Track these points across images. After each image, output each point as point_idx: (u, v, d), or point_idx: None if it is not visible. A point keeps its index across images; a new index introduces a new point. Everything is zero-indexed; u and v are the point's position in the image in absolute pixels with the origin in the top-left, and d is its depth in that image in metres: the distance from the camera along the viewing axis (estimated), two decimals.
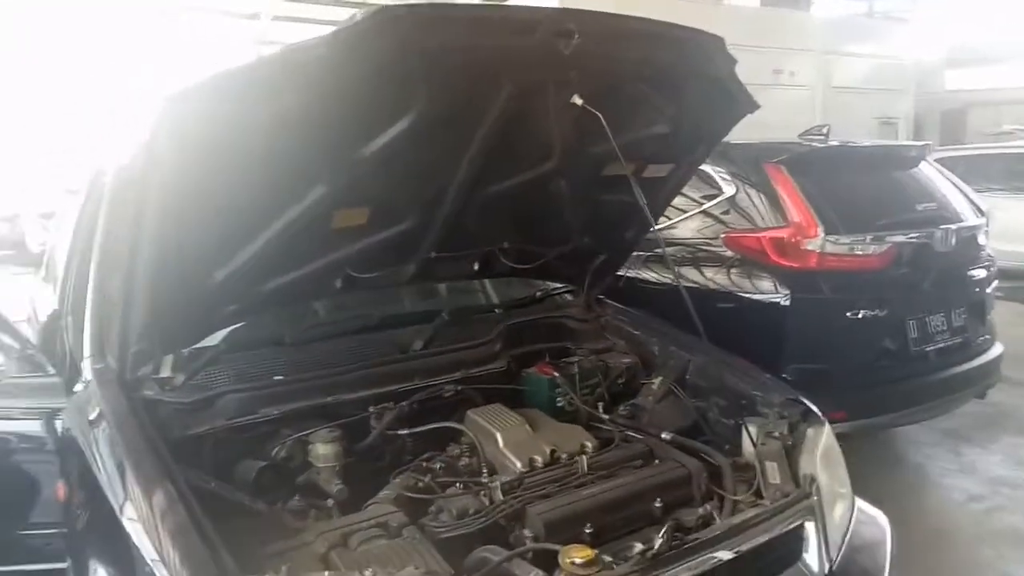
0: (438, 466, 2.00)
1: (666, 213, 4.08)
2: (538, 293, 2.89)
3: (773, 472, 1.95)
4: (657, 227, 4.02)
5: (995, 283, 4.32)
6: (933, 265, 3.86)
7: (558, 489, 1.89)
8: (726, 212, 3.99)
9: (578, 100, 2.02)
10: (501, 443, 2.04)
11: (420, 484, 1.91)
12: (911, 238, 3.82)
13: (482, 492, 1.85)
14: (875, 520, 2.16)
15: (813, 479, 1.95)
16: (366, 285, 2.31)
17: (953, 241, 3.91)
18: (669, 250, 4.05)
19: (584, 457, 2.01)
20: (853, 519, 2.05)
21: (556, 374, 2.40)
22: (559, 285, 2.91)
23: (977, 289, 4.15)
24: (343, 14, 1.67)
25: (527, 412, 2.24)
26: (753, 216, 3.87)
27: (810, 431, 2.08)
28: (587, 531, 1.73)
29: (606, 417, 2.31)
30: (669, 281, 3.83)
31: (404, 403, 2.16)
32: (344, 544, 1.66)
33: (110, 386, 1.94)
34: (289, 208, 1.91)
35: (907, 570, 2.99)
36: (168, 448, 1.74)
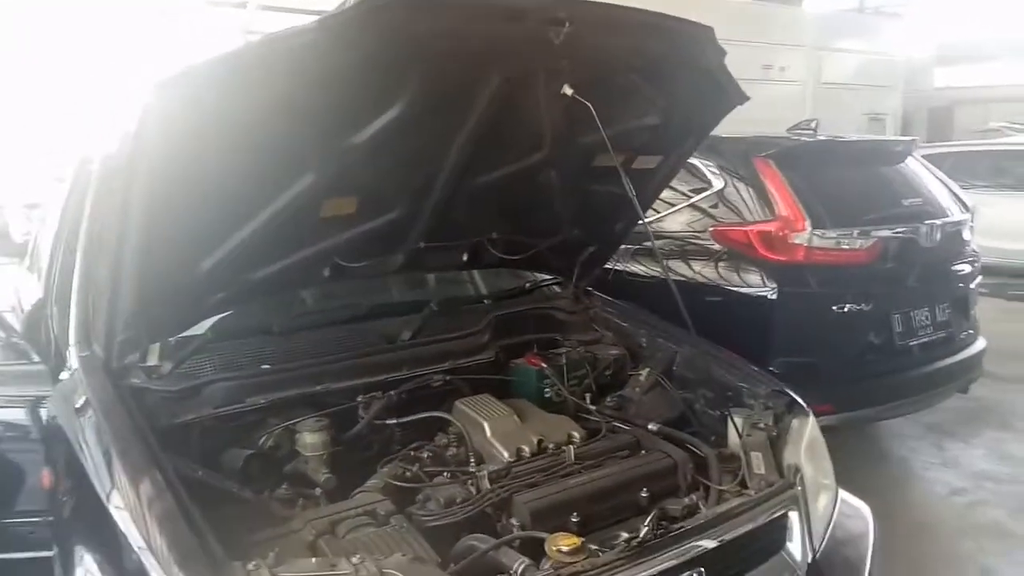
0: (426, 455, 2.01)
1: (655, 206, 4.12)
2: (527, 284, 2.90)
3: (758, 462, 1.96)
4: (648, 219, 4.07)
5: (979, 279, 4.36)
6: (918, 260, 3.90)
7: (545, 478, 1.90)
8: (714, 206, 4.01)
9: (568, 90, 2.02)
10: (489, 433, 2.05)
11: (408, 473, 1.91)
12: (897, 233, 3.85)
13: (469, 481, 1.86)
14: (858, 511, 2.19)
15: (797, 469, 1.97)
16: (355, 274, 2.31)
17: (938, 236, 3.94)
18: (658, 243, 4.07)
19: (571, 447, 2.02)
20: (836, 510, 2.07)
21: (544, 365, 2.41)
22: (548, 277, 2.91)
23: (961, 284, 4.19)
24: (332, 3, 1.65)
25: (515, 402, 2.24)
26: (741, 210, 3.89)
27: (795, 422, 2.10)
28: (574, 520, 1.75)
29: (593, 408, 2.32)
30: (657, 274, 3.85)
31: (392, 393, 2.16)
32: (332, 532, 1.66)
33: (96, 374, 1.93)
34: (277, 196, 1.90)
35: (890, 562, 3.02)
36: (155, 436, 1.73)
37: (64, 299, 2.28)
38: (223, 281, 2.04)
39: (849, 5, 14.72)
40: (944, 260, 4.09)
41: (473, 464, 1.97)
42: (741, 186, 3.93)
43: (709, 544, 1.68)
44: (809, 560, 1.88)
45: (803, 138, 4.27)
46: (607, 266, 3.36)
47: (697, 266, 3.98)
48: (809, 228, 3.65)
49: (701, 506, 1.87)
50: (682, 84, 2.21)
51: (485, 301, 2.77)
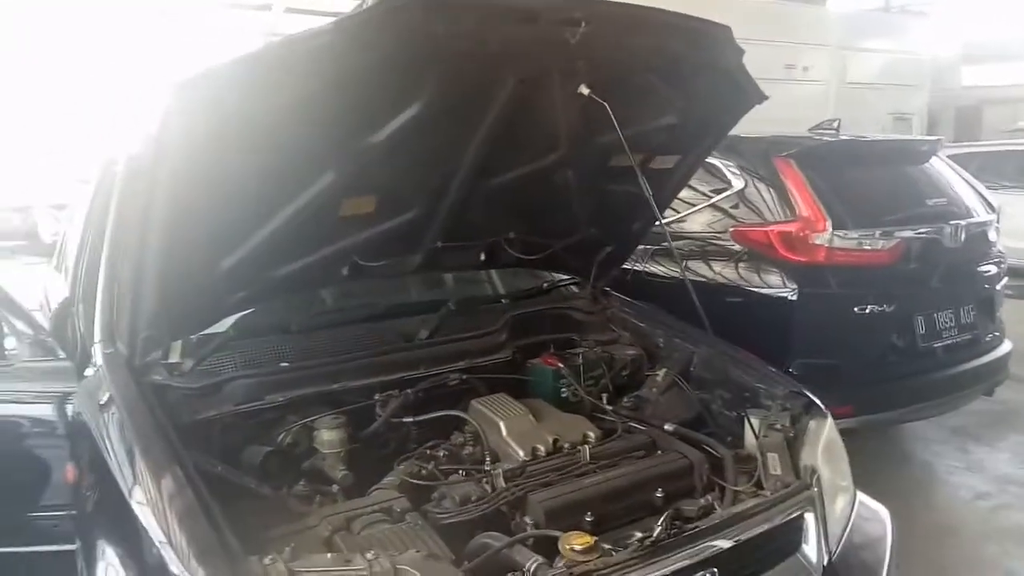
0: (442, 454, 2.02)
1: (675, 206, 4.11)
2: (544, 284, 2.90)
3: (774, 463, 1.95)
4: (665, 220, 4.06)
5: (1005, 280, 4.30)
6: (942, 261, 3.85)
7: (560, 478, 1.90)
8: (735, 206, 3.99)
9: (585, 90, 2.02)
10: (504, 432, 2.06)
11: (424, 471, 1.93)
12: (920, 233, 3.81)
13: (484, 480, 1.87)
14: (877, 514, 2.16)
15: (814, 471, 1.96)
16: (373, 273, 2.33)
17: (963, 237, 3.89)
18: (678, 244, 4.06)
19: (586, 447, 2.03)
20: (854, 512, 2.05)
21: (561, 365, 2.41)
22: (565, 277, 2.91)
23: (986, 286, 4.13)
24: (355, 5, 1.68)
25: (531, 402, 2.25)
26: (762, 210, 3.87)
27: (812, 423, 2.08)
28: (588, 519, 1.75)
29: (609, 408, 2.32)
30: (676, 274, 3.84)
31: (409, 391, 2.18)
32: (347, 528, 1.68)
33: (120, 371, 1.96)
34: (297, 196, 1.93)
35: (913, 566, 3.01)
36: (176, 432, 1.76)
37: (90, 297, 2.32)
38: (244, 280, 2.07)
39: (874, 4, 14.57)
40: (969, 261, 4.04)
41: (488, 463, 1.98)
42: (761, 186, 3.91)
43: (723, 544, 1.68)
44: (825, 562, 1.87)
45: (825, 138, 4.23)
46: (626, 266, 3.37)
47: (717, 267, 3.96)
48: (830, 229, 3.62)
49: (717, 507, 1.86)
50: (700, 84, 2.20)
51: (502, 301, 2.78)
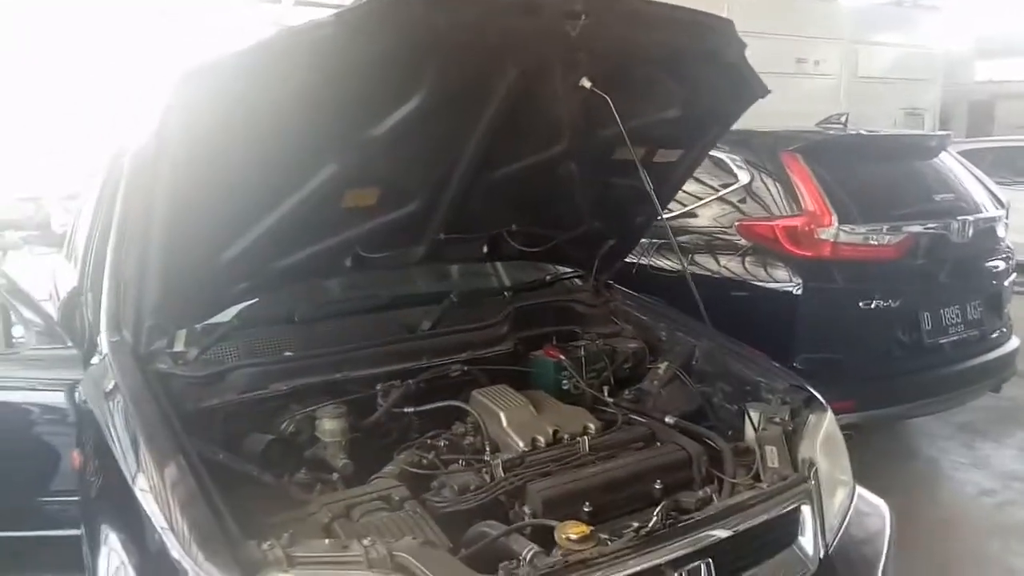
0: (442, 443, 2.03)
1: (682, 200, 4.12)
2: (547, 277, 2.91)
3: (772, 456, 1.96)
4: (672, 214, 4.06)
5: (1013, 276, 4.28)
6: (949, 256, 3.84)
7: (559, 468, 1.91)
8: (742, 200, 3.98)
9: (587, 83, 2.03)
10: (505, 422, 2.07)
11: (424, 460, 1.94)
12: (927, 229, 3.79)
13: (484, 469, 1.88)
14: (876, 508, 2.17)
15: (812, 464, 1.96)
16: (376, 265, 2.35)
17: (970, 233, 3.87)
18: (684, 238, 4.06)
19: (586, 438, 2.03)
20: (853, 506, 2.06)
21: (562, 357, 2.42)
22: (568, 269, 2.92)
23: (994, 282, 4.11)
24: None
25: (532, 393, 2.26)
26: (768, 204, 3.86)
27: (812, 417, 2.09)
28: (586, 509, 1.76)
29: (610, 400, 2.33)
30: (680, 268, 3.84)
31: (411, 381, 2.19)
32: (347, 515, 1.70)
33: (125, 359, 1.99)
34: (299, 187, 1.95)
35: (914, 560, 3.01)
36: (180, 420, 1.78)
37: (97, 287, 2.34)
38: (247, 270, 2.09)
39: None
40: (976, 257, 4.02)
41: (488, 453, 1.99)
42: (768, 181, 3.90)
43: (718, 535, 1.69)
44: (821, 555, 1.88)
45: (832, 132, 4.21)
46: (631, 260, 3.37)
47: (723, 261, 3.96)
48: (836, 223, 3.61)
49: (715, 499, 1.87)
50: (703, 77, 2.21)
51: (505, 293, 2.79)
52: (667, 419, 2.18)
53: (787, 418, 2.07)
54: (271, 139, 1.76)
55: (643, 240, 3.77)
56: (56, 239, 4.84)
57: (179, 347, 2.10)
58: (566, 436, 2.05)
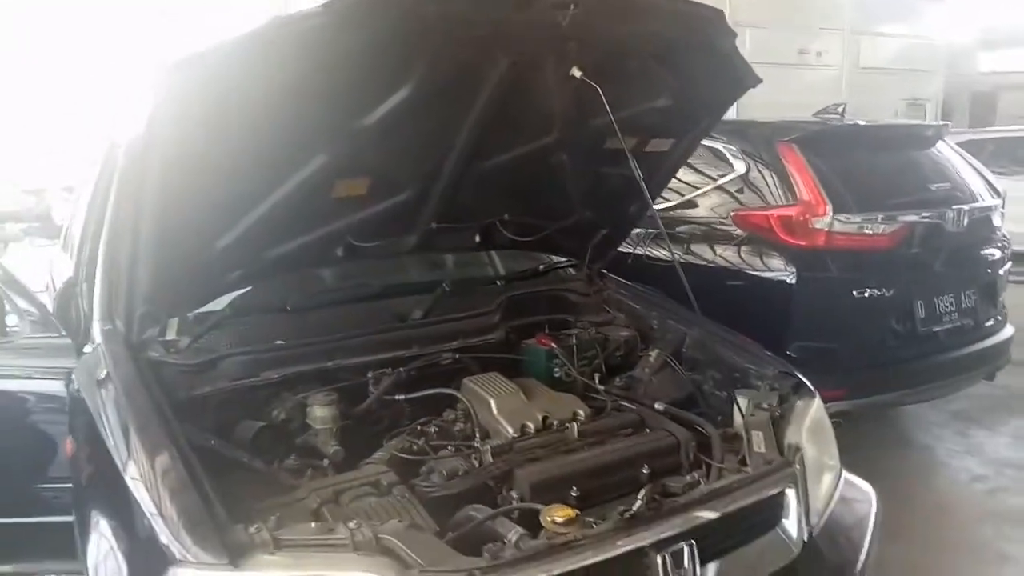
0: (432, 430, 2.05)
1: (678, 190, 4.13)
2: (540, 267, 2.92)
3: (759, 441, 1.97)
4: (669, 204, 4.08)
5: (1009, 265, 4.28)
6: (944, 245, 3.84)
7: (547, 454, 1.93)
8: (738, 190, 3.99)
9: (577, 72, 2.04)
10: (495, 409, 2.08)
11: (414, 447, 1.96)
12: (923, 218, 3.80)
13: (473, 455, 1.90)
14: (862, 493, 2.18)
15: (798, 449, 1.97)
16: (368, 254, 2.36)
17: (965, 222, 3.87)
18: (683, 228, 4.07)
19: (575, 424, 2.05)
20: (838, 491, 2.07)
21: (554, 345, 2.44)
22: (562, 259, 2.93)
23: (989, 270, 4.12)
24: None
25: (523, 381, 2.27)
26: (764, 194, 3.87)
27: (799, 403, 2.10)
28: (574, 494, 1.78)
29: (601, 388, 2.34)
30: (677, 258, 3.85)
31: (402, 369, 2.21)
32: (335, 500, 1.71)
33: (117, 347, 2.00)
34: (290, 177, 1.96)
35: (906, 546, 3.04)
36: (172, 408, 1.80)
37: (92, 277, 2.36)
38: (239, 259, 2.10)
39: None
40: (971, 246, 4.03)
41: (478, 439, 2.01)
42: (764, 171, 3.90)
43: (701, 518, 1.70)
44: (805, 538, 1.89)
45: (829, 122, 4.22)
46: (626, 250, 3.37)
47: (720, 250, 3.97)
48: (830, 213, 3.62)
49: (702, 483, 1.88)
50: (693, 66, 2.21)
51: (498, 282, 2.80)
52: (657, 406, 2.20)
53: (775, 404, 2.08)
54: (260, 129, 1.77)
55: (639, 230, 3.81)
56: (57, 231, 4.86)
57: (171, 335, 2.12)
58: (555, 422, 2.06)
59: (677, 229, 4.08)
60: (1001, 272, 4.19)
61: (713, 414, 2.25)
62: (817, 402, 2.14)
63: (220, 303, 2.23)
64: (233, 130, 1.75)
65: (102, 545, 1.71)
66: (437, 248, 2.64)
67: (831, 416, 2.22)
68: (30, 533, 2.47)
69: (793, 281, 3.63)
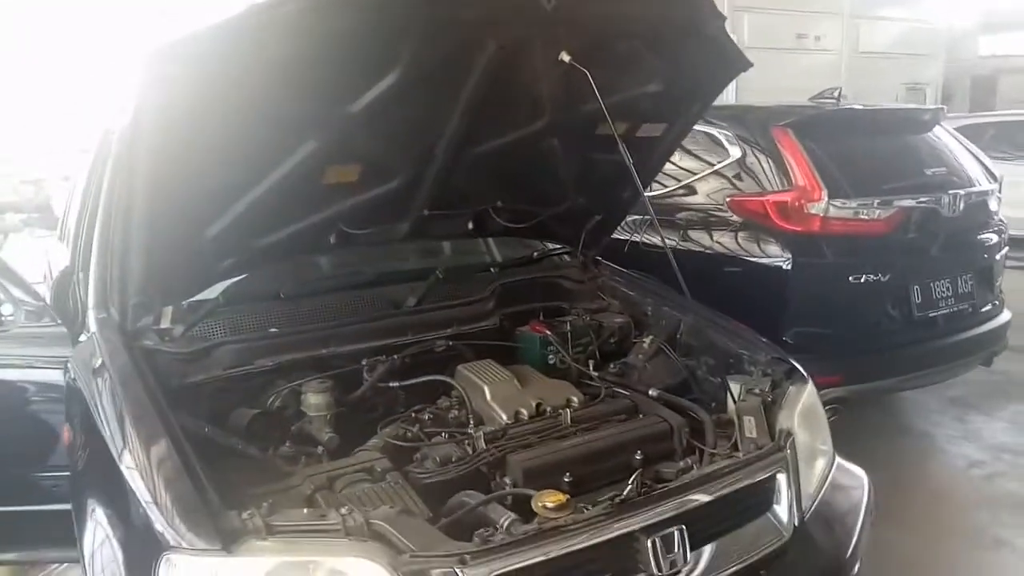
0: (426, 417, 2.06)
1: (675, 176, 4.12)
2: (535, 253, 2.92)
3: (750, 427, 1.98)
4: (665, 190, 4.07)
5: (1006, 250, 4.27)
6: (940, 230, 3.83)
7: (540, 440, 1.94)
8: (735, 176, 3.98)
9: (566, 57, 2.03)
10: (488, 396, 2.09)
11: (408, 433, 1.97)
12: (919, 203, 3.79)
13: (466, 441, 1.91)
14: (855, 479, 2.19)
15: (789, 434, 1.98)
16: (360, 241, 2.36)
17: (961, 206, 3.86)
18: (681, 215, 4.07)
19: (568, 410, 2.05)
20: (831, 476, 2.08)
21: (548, 332, 2.44)
22: (557, 246, 2.93)
23: (985, 255, 4.11)
24: None
25: (517, 368, 2.28)
26: (759, 180, 3.86)
27: (792, 388, 2.10)
28: (566, 480, 1.79)
29: (595, 374, 2.35)
30: (672, 245, 3.85)
31: (396, 357, 2.22)
32: (329, 487, 1.73)
33: (112, 336, 2.01)
34: (280, 163, 1.96)
35: (902, 531, 3.05)
36: (166, 396, 1.81)
37: (87, 266, 2.36)
38: (231, 247, 2.11)
39: None
40: (967, 230, 4.01)
41: (472, 426, 2.02)
42: (760, 156, 3.89)
43: (692, 503, 1.71)
44: (796, 522, 1.90)
45: (824, 107, 4.20)
46: (622, 237, 3.36)
47: (716, 236, 3.97)
48: (826, 198, 3.61)
49: (695, 469, 1.89)
50: (683, 50, 2.21)
51: (492, 269, 2.81)
52: (650, 392, 2.21)
53: (767, 389, 2.08)
54: (247, 115, 1.77)
55: (635, 217, 3.81)
56: (56, 221, 4.86)
57: (165, 324, 2.13)
58: (549, 409, 2.07)
59: (677, 216, 4.07)
60: (998, 257, 4.18)
61: (707, 400, 2.26)
62: (810, 387, 2.15)
63: (214, 291, 2.24)
64: (220, 116, 1.74)
65: (98, 532, 1.72)
66: (430, 235, 2.63)
67: (828, 402, 2.23)
68: (30, 521, 2.48)
69: (789, 267, 3.63)
